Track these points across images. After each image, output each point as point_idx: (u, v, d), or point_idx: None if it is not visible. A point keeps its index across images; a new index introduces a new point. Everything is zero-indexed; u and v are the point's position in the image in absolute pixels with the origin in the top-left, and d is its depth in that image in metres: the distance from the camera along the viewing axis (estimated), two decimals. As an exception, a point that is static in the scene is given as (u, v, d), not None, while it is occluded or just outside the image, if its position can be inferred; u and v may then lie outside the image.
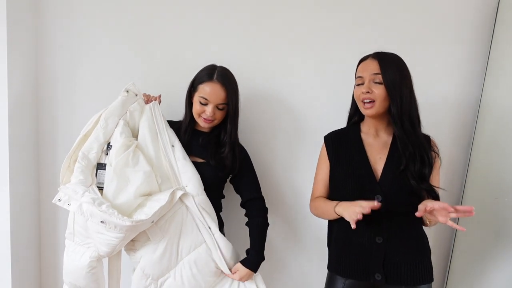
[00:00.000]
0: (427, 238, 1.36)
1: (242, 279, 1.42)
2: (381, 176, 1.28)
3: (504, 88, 1.60)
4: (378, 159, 1.31)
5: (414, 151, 1.26)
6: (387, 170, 1.28)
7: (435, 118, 1.69)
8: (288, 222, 1.82)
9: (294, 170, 1.78)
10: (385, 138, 1.34)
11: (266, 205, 1.54)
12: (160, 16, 1.72)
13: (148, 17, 1.72)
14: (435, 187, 1.30)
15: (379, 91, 1.25)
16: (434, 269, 1.34)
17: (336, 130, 1.46)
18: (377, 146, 1.33)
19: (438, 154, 1.33)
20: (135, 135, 1.47)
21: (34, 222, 1.84)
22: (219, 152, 1.46)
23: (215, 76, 1.40)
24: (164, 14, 1.71)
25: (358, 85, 1.31)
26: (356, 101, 1.34)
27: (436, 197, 1.27)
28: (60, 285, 1.88)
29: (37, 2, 1.72)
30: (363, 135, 1.37)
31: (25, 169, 1.75)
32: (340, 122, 1.51)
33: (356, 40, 1.69)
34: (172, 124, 1.52)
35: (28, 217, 1.80)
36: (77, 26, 1.73)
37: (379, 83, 1.25)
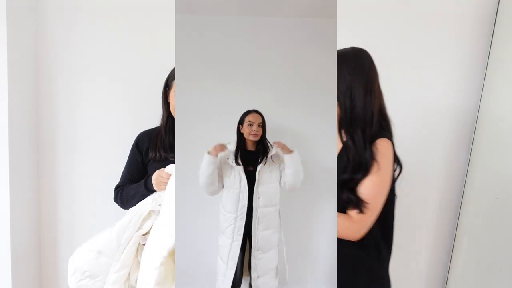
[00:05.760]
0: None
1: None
2: None
3: (504, 89, 1.60)
4: None
5: (349, 157, 1.09)
6: None
7: (435, 119, 1.69)
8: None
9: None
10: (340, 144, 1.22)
11: None
12: (161, 15, 1.72)
13: (148, 15, 1.72)
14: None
15: None
16: (434, 269, 1.30)
17: None
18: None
19: (374, 157, 1.06)
20: None
21: (34, 222, 1.83)
22: None
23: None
24: (164, 14, 1.72)
25: None
26: None
27: (356, 203, 1.06)
28: (60, 285, 1.88)
29: (37, 2, 1.72)
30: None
31: (25, 169, 1.75)
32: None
33: (353, 40, 1.68)
34: (149, 134, 1.48)
35: (28, 217, 1.80)
36: (77, 26, 1.73)
37: None
